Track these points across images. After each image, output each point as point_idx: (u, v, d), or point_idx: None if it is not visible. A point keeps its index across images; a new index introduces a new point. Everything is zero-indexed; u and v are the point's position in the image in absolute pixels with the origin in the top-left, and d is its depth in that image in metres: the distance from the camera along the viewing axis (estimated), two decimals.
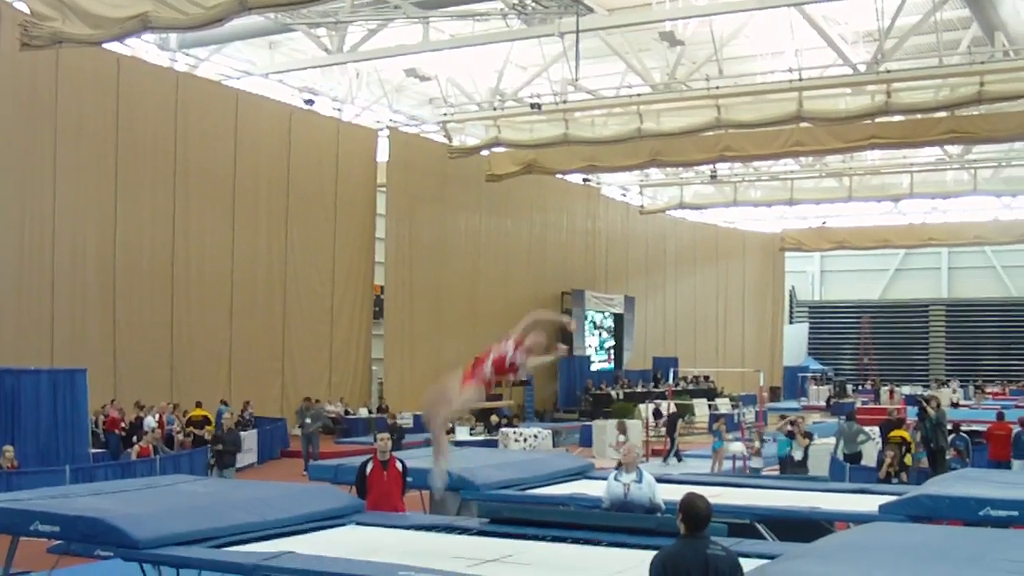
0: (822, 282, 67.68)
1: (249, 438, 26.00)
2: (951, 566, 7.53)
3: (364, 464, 12.21)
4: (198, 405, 25.93)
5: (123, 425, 23.95)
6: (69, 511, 9.48)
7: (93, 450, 21.92)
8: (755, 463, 23.53)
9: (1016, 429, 21.08)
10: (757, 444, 24.02)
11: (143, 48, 28.98)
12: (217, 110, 29.67)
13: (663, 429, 30.60)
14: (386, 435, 12.64)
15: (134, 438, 22.43)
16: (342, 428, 31.91)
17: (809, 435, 20.36)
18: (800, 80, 26.55)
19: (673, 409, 29.37)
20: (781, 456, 21.36)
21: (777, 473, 20.27)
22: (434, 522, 11.31)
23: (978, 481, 12.42)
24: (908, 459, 19.54)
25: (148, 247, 27.86)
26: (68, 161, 25.69)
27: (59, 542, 9.74)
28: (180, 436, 24.17)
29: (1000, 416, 22.28)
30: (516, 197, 40.28)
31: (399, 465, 12.13)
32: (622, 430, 25.43)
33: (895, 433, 20.22)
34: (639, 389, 42.86)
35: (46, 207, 25.28)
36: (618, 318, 47.01)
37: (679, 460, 26.81)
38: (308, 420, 25.22)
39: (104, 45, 22.75)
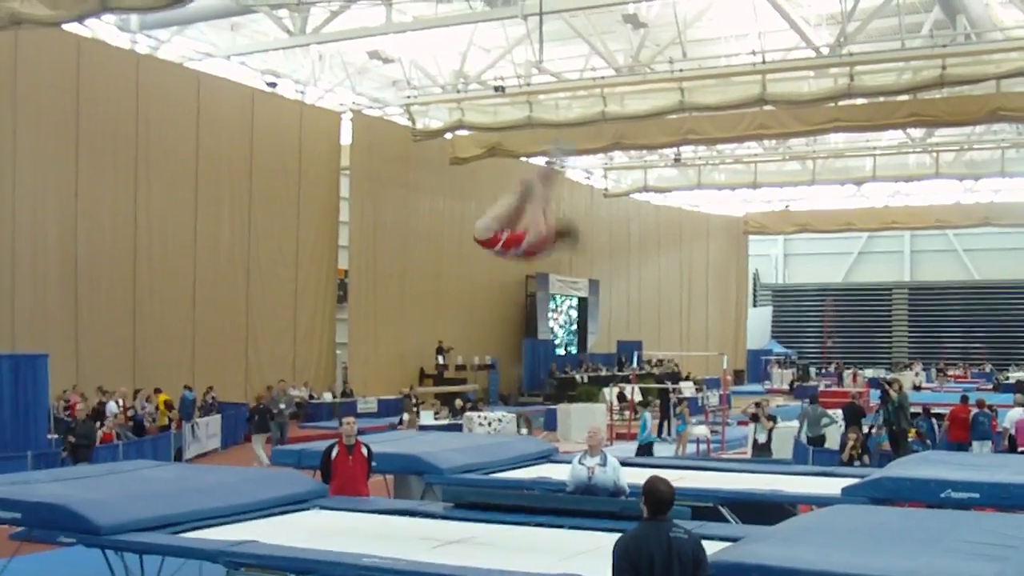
0: (785, 265, 68.00)
1: (212, 423, 25.87)
2: (911, 547, 7.60)
3: (329, 448, 12.18)
4: (157, 391, 25.84)
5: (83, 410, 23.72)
6: (30, 497, 9.44)
7: (54, 436, 21.74)
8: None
9: (974, 411, 21.30)
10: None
11: (103, 30, 28.66)
12: (179, 92, 29.33)
13: (627, 412, 30.69)
14: (351, 419, 12.55)
15: (96, 423, 22.18)
16: (305, 412, 31.73)
17: (773, 418, 20.49)
18: (763, 63, 26.58)
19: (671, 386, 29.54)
20: (641, 440, 21.64)
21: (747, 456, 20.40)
22: (398, 506, 11.34)
23: (939, 463, 12.53)
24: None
25: (109, 230, 27.58)
26: (28, 144, 25.40)
27: (20, 529, 9.68)
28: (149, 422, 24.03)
29: (964, 399, 22.48)
30: (480, 180, 40.11)
31: (364, 450, 12.13)
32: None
33: None
34: (603, 373, 42.91)
35: (5, 190, 25.00)
36: (582, 301, 47.06)
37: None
38: (283, 406, 24.89)
39: (64, 26, 22.57)
